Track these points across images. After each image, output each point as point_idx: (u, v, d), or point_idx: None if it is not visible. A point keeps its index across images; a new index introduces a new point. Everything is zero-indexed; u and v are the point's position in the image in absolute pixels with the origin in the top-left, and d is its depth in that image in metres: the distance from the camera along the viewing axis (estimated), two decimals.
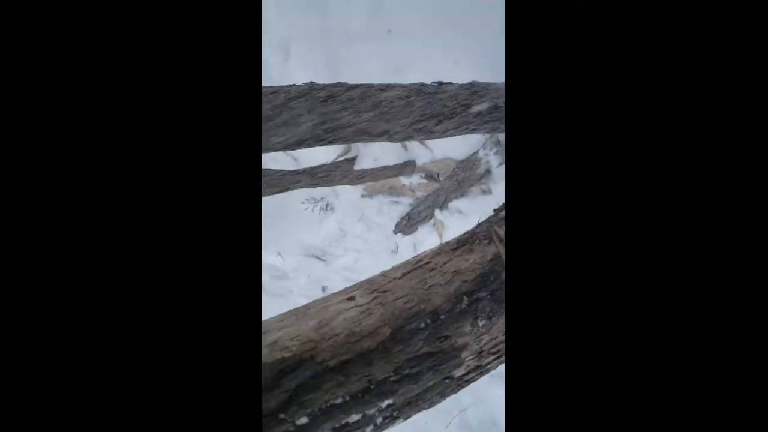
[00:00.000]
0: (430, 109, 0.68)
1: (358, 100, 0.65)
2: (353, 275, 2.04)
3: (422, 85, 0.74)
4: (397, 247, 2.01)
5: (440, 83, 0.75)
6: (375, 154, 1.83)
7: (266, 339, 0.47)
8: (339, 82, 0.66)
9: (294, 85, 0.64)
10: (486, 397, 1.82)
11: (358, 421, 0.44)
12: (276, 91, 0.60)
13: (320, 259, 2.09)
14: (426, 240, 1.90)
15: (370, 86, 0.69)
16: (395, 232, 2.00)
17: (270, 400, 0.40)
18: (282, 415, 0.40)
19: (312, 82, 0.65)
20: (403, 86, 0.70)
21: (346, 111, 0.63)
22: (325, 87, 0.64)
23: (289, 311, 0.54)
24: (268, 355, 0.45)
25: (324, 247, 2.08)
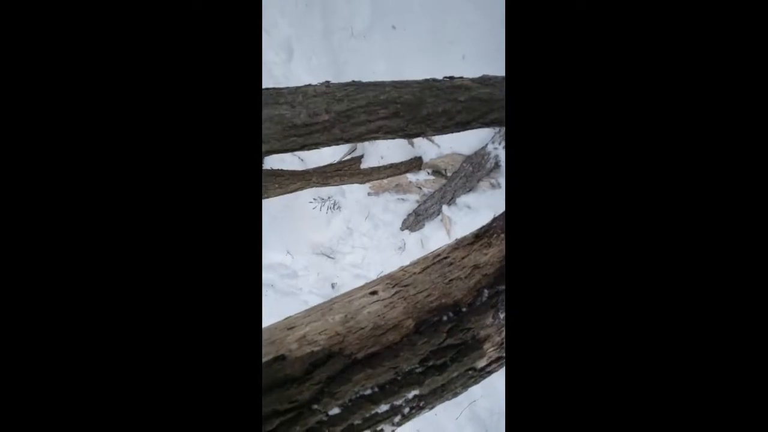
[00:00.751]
0: (443, 104, 0.68)
1: (373, 98, 0.66)
2: (361, 272, 2.05)
3: (434, 80, 0.75)
4: (404, 243, 2.02)
5: (452, 77, 0.76)
6: (381, 151, 1.83)
7: (294, 334, 0.49)
8: (353, 81, 0.67)
9: (310, 85, 0.65)
10: (495, 388, 1.84)
11: (387, 411, 0.45)
12: (294, 91, 0.61)
13: (329, 256, 2.11)
14: (433, 236, 1.91)
15: (383, 84, 0.70)
16: (402, 229, 2.01)
17: (303, 392, 0.42)
18: (315, 406, 0.42)
19: (328, 82, 0.66)
20: (416, 82, 0.71)
21: (361, 109, 0.64)
22: (341, 86, 0.65)
23: (314, 307, 0.55)
24: (297, 349, 0.46)
25: (332, 245, 2.10)
